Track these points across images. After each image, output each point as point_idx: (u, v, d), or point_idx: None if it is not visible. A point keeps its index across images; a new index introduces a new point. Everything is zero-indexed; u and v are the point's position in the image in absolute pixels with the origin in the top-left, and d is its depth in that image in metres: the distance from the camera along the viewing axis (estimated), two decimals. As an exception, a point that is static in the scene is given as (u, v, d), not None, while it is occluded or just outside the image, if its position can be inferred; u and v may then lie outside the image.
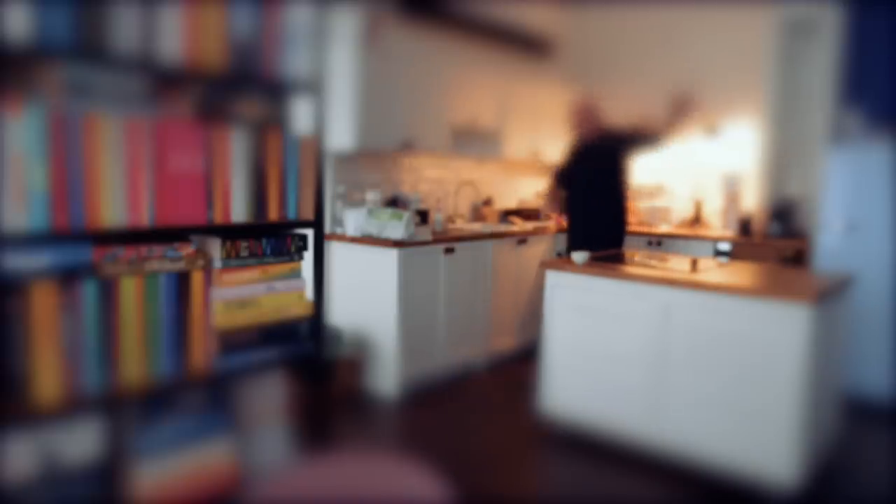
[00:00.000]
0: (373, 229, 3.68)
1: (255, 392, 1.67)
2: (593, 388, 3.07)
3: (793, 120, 4.57)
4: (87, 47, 1.26)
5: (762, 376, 2.61)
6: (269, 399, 1.71)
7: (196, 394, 1.54)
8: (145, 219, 1.37)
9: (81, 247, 1.30)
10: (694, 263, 3.23)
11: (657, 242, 4.76)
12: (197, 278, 1.49)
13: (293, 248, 1.70)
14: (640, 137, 4.07)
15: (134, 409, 1.43)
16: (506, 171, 5.42)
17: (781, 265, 4.00)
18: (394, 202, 4.14)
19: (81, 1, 1.25)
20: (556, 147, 4.94)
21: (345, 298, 3.82)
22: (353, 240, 3.75)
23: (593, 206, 4.04)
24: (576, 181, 4.09)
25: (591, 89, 4.34)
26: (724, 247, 4.51)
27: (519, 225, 4.77)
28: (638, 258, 3.36)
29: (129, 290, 1.37)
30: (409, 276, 3.65)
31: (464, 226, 4.57)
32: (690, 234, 4.68)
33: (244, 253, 1.59)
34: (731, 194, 4.85)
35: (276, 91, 1.68)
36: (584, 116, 4.06)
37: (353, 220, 3.76)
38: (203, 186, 1.47)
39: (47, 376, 1.26)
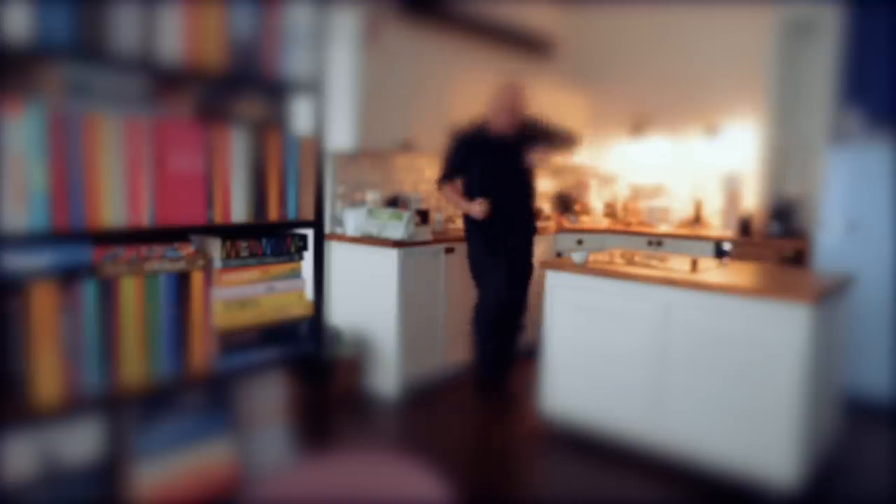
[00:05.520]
0: (373, 229, 3.68)
1: (255, 392, 1.67)
2: (593, 388, 3.07)
3: (793, 120, 4.57)
4: (87, 47, 1.26)
5: (762, 376, 2.61)
6: (269, 399, 1.71)
7: (196, 394, 1.54)
8: (145, 219, 1.37)
9: (81, 247, 1.30)
10: (694, 263, 3.23)
11: (657, 242, 4.76)
12: (197, 278, 1.49)
13: (293, 248, 1.70)
14: (555, 138, 3.64)
15: (134, 409, 1.43)
16: (506, 171, 5.41)
17: (781, 265, 4.00)
18: (394, 202, 4.14)
19: (81, 1, 1.25)
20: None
21: (345, 298, 3.83)
22: (353, 240, 3.75)
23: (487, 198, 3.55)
24: (468, 171, 3.61)
25: (515, 75, 3.67)
26: (724, 247, 4.51)
27: (519, 225, 4.76)
28: (638, 258, 3.36)
29: (129, 290, 1.37)
30: (409, 276, 3.64)
31: (464, 226, 4.57)
32: (690, 234, 4.68)
33: (244, 253, 1.59)
34: (731, 194, 4.85)
35: (276, 91, 1.68)
36: (508, 101, 3.48)
37: (353, 220, 3.76)
38: (203, 186, 1.47)
39: (47, 376, 1.26)
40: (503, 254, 3.60)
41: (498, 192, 3.49)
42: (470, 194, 3.58)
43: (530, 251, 3.76)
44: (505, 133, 3.49)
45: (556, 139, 3.65)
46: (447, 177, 3.64)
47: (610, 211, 5.53)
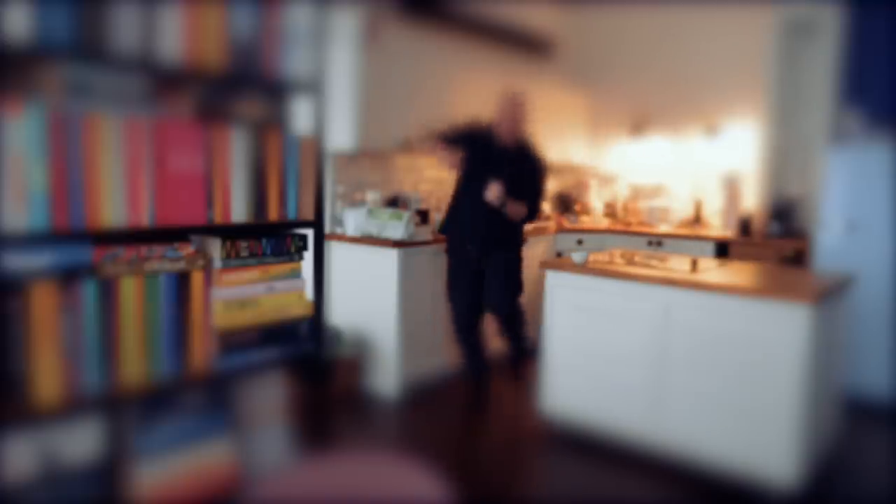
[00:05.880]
0: (373, 229, 3.68)
1: (255, 392, 1.67)
2: (593, 388, 3.07)
3: (793, 120, 4.57)
4: (87, 47, 1.26)
5: (762, 376, 2.61)
6: (269, 399, 1.71)
7: (196, 394, 1.54)
8: (145, 219, 1.37)
9: (81, 247, 1.30)
10: (694, 263, 3.23)
11: (657, 242, 4.76)
12: (197, 278, 1.49)
13: (293, 248, 1.70)
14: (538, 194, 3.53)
15: (134, 409, 1.43)
16: (506, 171, 5.41)
17: (781, 265, 4.00)
18: (394, 202, 4.14)
19: (81, 1, 1.25)
20: (555, 147, 4.94)
21: (345, 298, 3.82)
22: (353, 240, 3.75)
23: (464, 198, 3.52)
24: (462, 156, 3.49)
25: (519, 88, 3.55)
26: (725, 247, 4.51)
27: (519, 225, 4.76)
28: (638, 258, 3.36)
29: (129, 290, 1.37)
30: (409, 276, 3.64)
31: (464, 226, 4.56)
32: (690, 234, 4.68)
33: (244, 253, 1.59)
34: (731, 194, 4.85)
35: (276, 91, 1.68)
36: (509, 113, 3.42)
37: (353, 220, 3.76)
38: (203, 186, 1.47)
39: (47, 376, 1.26)
40: (472, 267, 3.50)
41: (478, 195, 3.37)
42: (456, 188, 3.58)
43: (510, 265, 3.54)
44: (507, 144, 3.48)
45: (533, 194, 3.51)
46: (443, 139, 3.52)
47: (610, 211, 5.53)
